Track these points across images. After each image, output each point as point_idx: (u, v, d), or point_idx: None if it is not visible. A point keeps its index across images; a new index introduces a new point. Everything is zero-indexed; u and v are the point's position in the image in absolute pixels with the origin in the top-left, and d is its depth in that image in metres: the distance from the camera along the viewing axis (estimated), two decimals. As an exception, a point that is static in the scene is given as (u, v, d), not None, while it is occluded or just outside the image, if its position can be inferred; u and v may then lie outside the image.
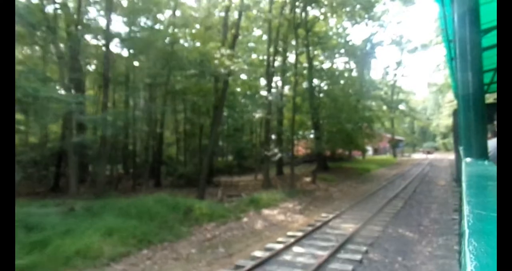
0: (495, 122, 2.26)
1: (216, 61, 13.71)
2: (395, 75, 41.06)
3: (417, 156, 47.40)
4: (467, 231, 0.47)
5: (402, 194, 12.82)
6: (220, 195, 13.23)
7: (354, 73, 28.32)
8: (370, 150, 49.13)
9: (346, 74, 23.91)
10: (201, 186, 13.31)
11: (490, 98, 8.91)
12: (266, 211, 10.15)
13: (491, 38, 3.28)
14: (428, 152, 50.86)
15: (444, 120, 50.48)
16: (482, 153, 1.15)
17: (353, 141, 23.12)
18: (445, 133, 55.81)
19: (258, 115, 18.78)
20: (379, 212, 9.52)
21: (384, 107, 38.18)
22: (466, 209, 0.59)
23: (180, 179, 17.81)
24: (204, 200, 11.76)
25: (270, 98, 16.39)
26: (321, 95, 23.80)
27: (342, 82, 22.57)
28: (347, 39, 24.56)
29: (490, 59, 4.10)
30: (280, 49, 18.80)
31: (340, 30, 24.43)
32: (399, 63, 40.23)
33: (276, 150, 16.97)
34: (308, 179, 17.26)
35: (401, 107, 42.10)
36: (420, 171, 22.87)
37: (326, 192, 14.38)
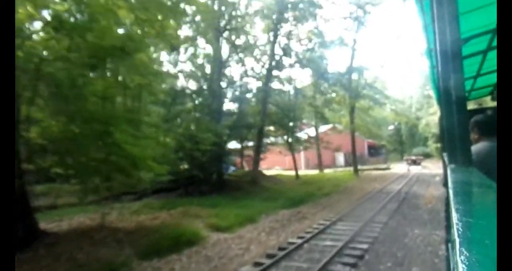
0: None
1: None
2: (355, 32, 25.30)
3: (400, 168, 32.19)
4: (457, 240, 0.47)
5: None
6: None
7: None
8: (341, 159, 36.47)
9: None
10: None
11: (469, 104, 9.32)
12: None
13: (469, 47, 3.39)
14: (414, 162, 33.33)
15: (435, 116, 33.58)
16: (466, 160, 1.17)
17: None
18: (438, 134, 34.56)
19: None
20: None
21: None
22: (455, 217, 0.59)
23: None
24: None
25: None
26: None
27: None
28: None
29: (470, 67, 4.24)
30: None
31: None
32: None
33: None
34: None
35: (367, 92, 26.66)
36: (346, 241, 6.86)
37: None
